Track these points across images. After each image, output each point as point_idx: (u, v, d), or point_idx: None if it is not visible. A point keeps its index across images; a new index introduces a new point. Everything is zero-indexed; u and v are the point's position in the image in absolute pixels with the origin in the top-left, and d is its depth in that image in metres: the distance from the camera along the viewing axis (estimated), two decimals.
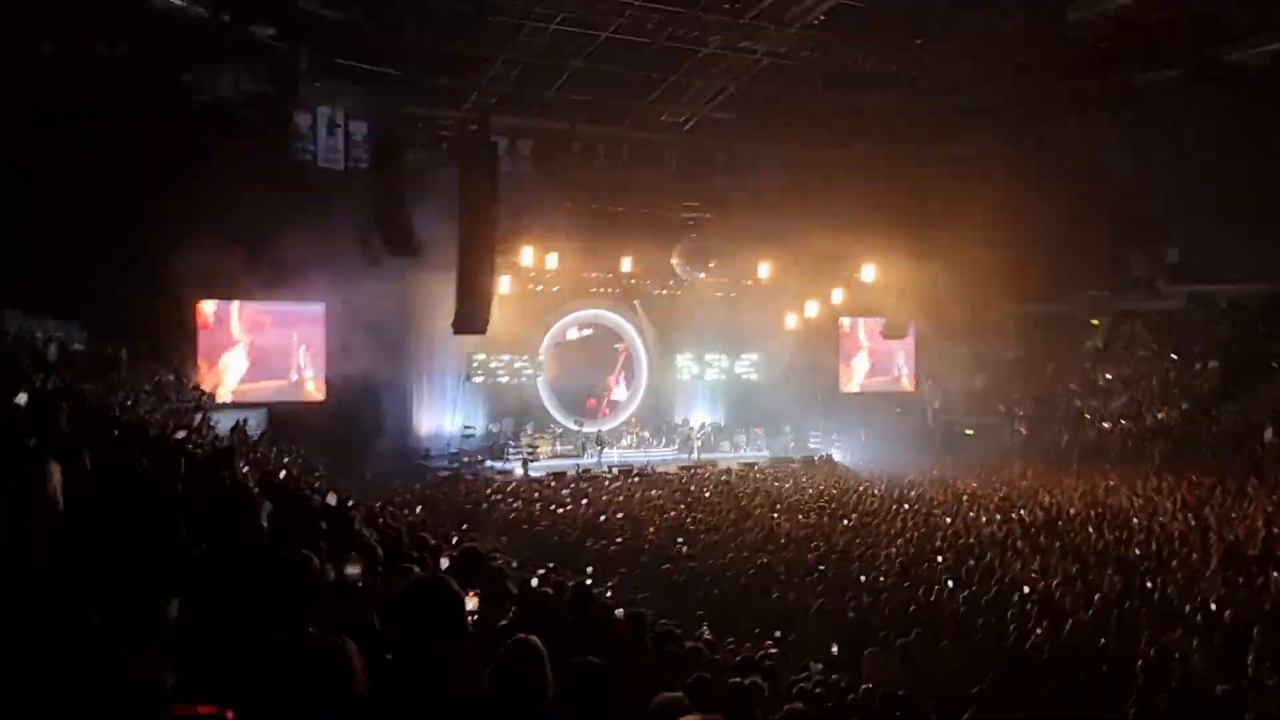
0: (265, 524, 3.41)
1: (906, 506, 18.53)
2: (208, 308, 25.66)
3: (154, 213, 21.11)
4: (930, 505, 18.77)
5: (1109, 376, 30.53)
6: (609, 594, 10.97)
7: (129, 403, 16.99)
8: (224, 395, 25.05)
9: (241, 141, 23.15)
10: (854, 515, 17.50)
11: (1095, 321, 32.88)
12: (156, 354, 23.18)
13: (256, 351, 26.10)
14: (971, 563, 13.06)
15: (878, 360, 34.04)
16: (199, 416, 20.69)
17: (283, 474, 14.11)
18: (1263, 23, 24.26)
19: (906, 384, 33.94)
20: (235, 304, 25.87)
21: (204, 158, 21.31)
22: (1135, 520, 16.33)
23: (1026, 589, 11.40)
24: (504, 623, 5.19)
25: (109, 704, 1.75)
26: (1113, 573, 12.11)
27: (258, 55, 24.24)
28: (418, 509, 18.11)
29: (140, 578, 3.28)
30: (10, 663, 1.70)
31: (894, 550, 14.03)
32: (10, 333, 19.11)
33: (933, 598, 11.12)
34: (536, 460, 27.42)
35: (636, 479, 24.56)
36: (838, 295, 31.47)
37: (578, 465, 26.91)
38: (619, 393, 32.58)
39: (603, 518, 17.75)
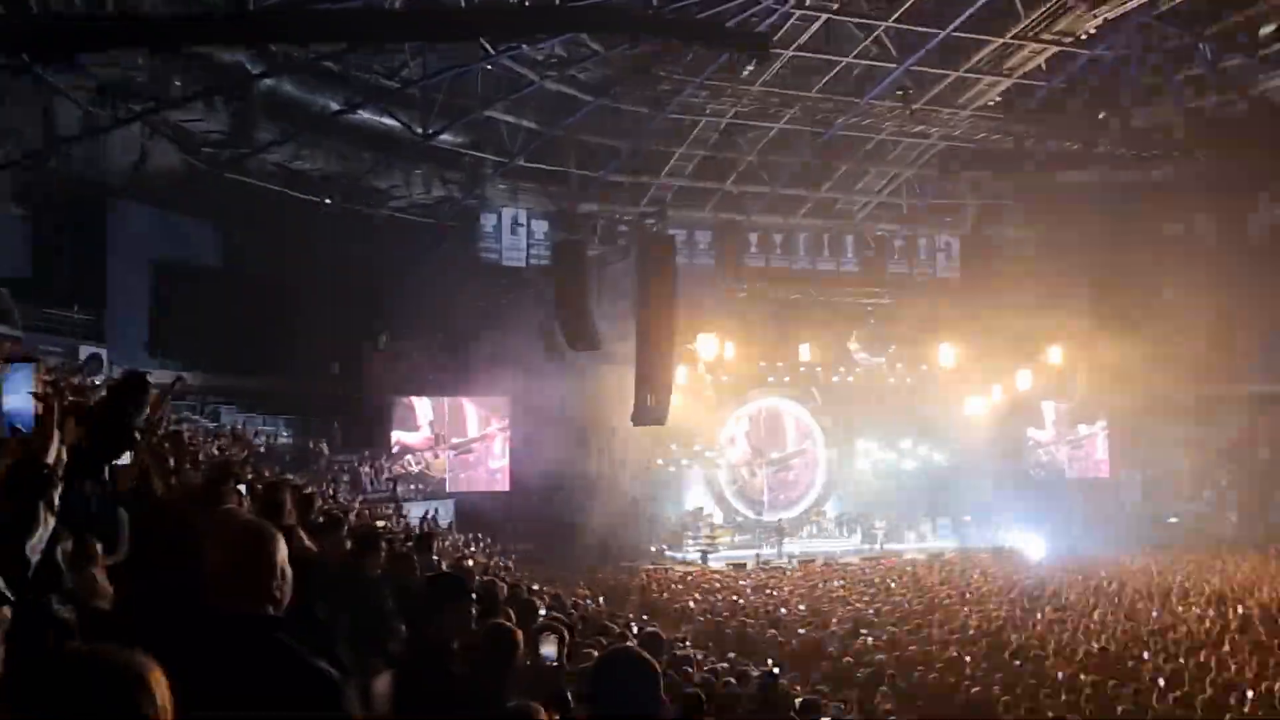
0: (472, 609, 3.61)
1: (1106, 599, 17.56)
2: (407, 403, 26.79)
3: (352, 312, 22.54)
4: (1134, 598, 17.73)
5: None
6: (793, 687, 10.79)
7: (330, 493, 17.93)
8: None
9: (432, 243, 24.56)
10: (1049, 608, 16.69)
11: None
12: (353, 448, 24.44)
13: (452, 443, 27.16)
14: (1182, 661, 12.24)
15: (1070, 445, 32.57)
16: (392, 507, 21.60)
17: (470, 562, 14.60)
18: None
19: (1102, 470, 32.28)
20: (429, 399, 26.98)
21: (398, 259, 22.68)
22: None
23: (1249, 692, 10.59)
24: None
25: None
26: None
27: (447, 161, 25.72)
28: (600, 598, 18.27)
29: (350, 654, 3.52)
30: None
31: (1094, 646, 13.30)
32: (227, 427, 20.57)
33: (1138, 698, 10.47)
34: (716, 550, 27.30)
35: (819, 570, 24.13)
36: (1024, 378, 30.39)
37: (758, 555, 26.66)
38: (798, 481, 32.25)
39: (784, 609, 17.49)
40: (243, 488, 6.40)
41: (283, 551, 2.24)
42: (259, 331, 22.17)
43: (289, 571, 2.21)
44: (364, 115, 23.12)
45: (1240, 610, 15.91)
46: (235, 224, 22.74)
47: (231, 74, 20.29)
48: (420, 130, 24.03)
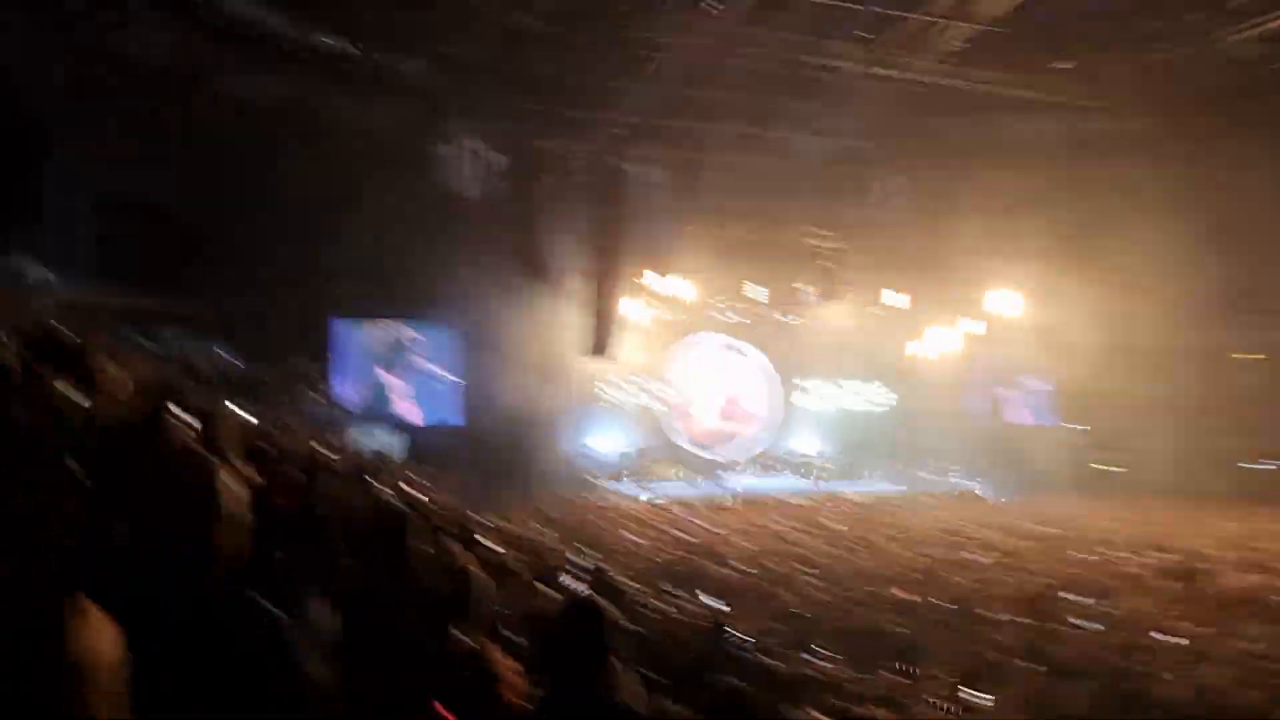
0: (413, 542, 3.63)
1: (1043, 542, 18.03)
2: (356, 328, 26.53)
3: (303, 237, 22.16)
4: (1066, 542, 18.22)
5: (1258, 414, 29.07)
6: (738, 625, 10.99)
7: (275, 418, 17.77)
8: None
9: (386, 171, 24.15)
10: (985, 550, 17.11)
11: (1241, 355, 31.35)
12: (299, 374, 24.16)
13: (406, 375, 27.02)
14: (1105, 603, 12.64)
15: (1013, 393, 33.10)
16: (341, 436, 21.48)
17: (421, 495, 14.58)
18: None
19: (1046, 417, 32.89)
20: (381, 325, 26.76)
21: (350, 186, 22.30)
22: None
23: (1161, 634, 10.97)
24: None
25: (292, 697, 1.93)
26: (1256, 620, 11.56)
27: (403, 90, 25.23)
28: (543, 529, 18.40)
29: (300, 589, 3.53)
30: (208, 663, 1.89)
31: (1025, 586, 13.68)
32: (170, 352, 20.22)
33: (1060, 637, 10.81)
34: (661, 485, 27.57)
35: (761, 507, 24.47)
36: (972, 325, 30.77)
37: (700, 492, 26.96)
38: (743, 420, 32.55)
39: (726, 546, 17.76)
40: (185, 415, 6.36)
41: (233, 497, 2.23)
42: (203, 254, 21.72)
43: (239, 517, 2.20)
44: (317, 38, 22.60)
45: (1162, 556, 16.42)
46: (181, 148, 22.10)
47: None
48: (376, 57, 23.53)
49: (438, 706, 2.40)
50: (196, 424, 5.95)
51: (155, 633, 1.82)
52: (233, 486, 2.30)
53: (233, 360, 22.97)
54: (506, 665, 2.48)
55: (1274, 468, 26.80)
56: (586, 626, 2.40)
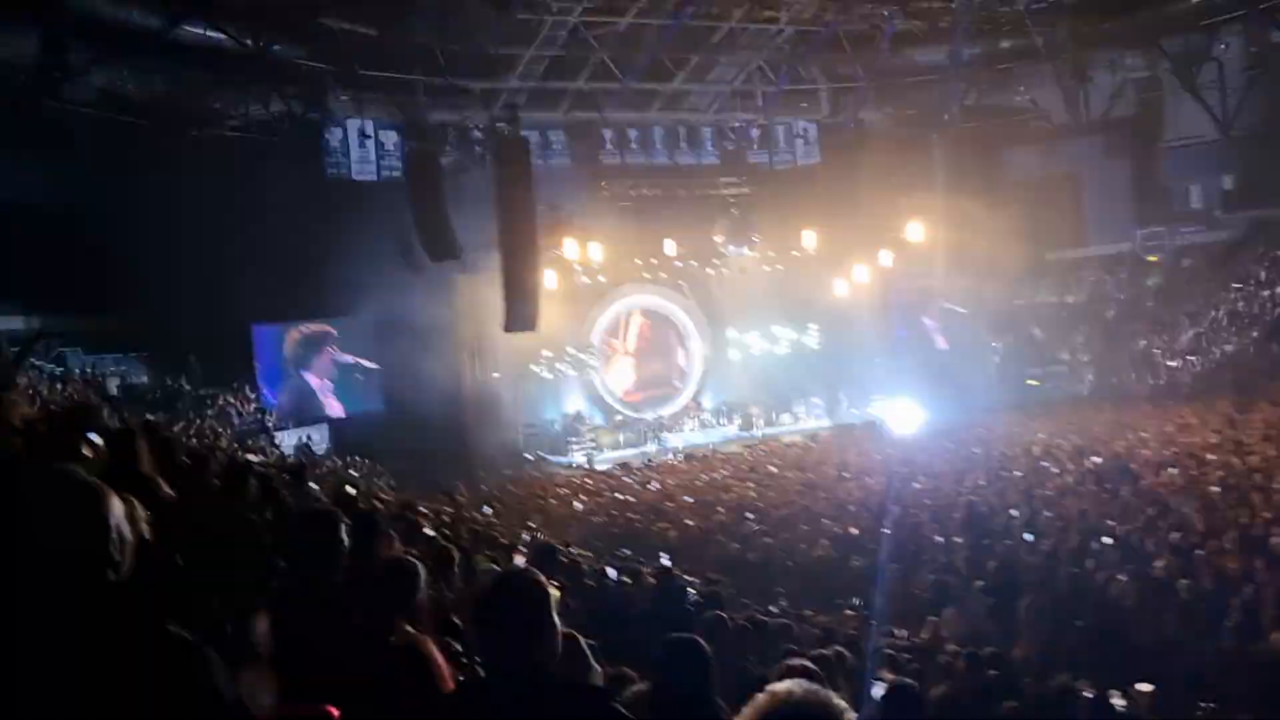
0: (345, 539, 3.45)
1: (975, 463, 18.31)
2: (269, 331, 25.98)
3: (198, 241, 21.39)
4: (1000, 459, 18.52)
5: (1173, 313, 29.86)
6: (685, 577, 10.96)
7: (195, 429, 17.34)
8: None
9: (276, 163, 23.48)
10: (922, 477, 17.33)
11: (1153, 258, 32.11)
12: (216, 380, 23.54)
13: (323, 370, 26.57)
14: (1048, 514, 12.86)
15: (935, 319, 33.49)
16: (265, 438, 21.03)
17: (350, 487, 14.31)
18: None
19: (964, 339, 33.37)
20: (293, 326, 26.21)
21: (241, 182, 21.64)
22: (1211, 456, 15.96)
23: (1106, 537, 11.18)
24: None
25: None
26: (1192, 511, 11.86)
27: (283, 75, 24.49)
28: (484, 509, 18.21)
29: (225, 599, 3.34)
30: (107, 688, 1.71)
31: (967, 508, 13.86)
32: (74, 371, 19.53)
33: (1010, 553, 10.97)
34: (600, 451, 27.49)
35: (701, 461, 24.53)
36: (886, 258, 31.04)
37: (641, 453, 26.94)
38: (672, 375, 32.53)
39: (670, 503, 17.75)
40: (96, 437, 6.06)
41: (116, 510, 2.02)
42: (96, 268, 20.85)
43: (125, 530, 1.99)
44: (187, 30, 21.82)
45: (1097, 462, 16.77)
46: (58, 156, 21.11)
47: None
48: (251, 43, 22.79)
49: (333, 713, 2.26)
50: (106, 448, 5.67)
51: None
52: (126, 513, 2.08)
53: (147, 374, 22.30)
54: (441, 655, 2.35)
55: (1190, 363, 27.49)
56: (520, 595, 2.27)
